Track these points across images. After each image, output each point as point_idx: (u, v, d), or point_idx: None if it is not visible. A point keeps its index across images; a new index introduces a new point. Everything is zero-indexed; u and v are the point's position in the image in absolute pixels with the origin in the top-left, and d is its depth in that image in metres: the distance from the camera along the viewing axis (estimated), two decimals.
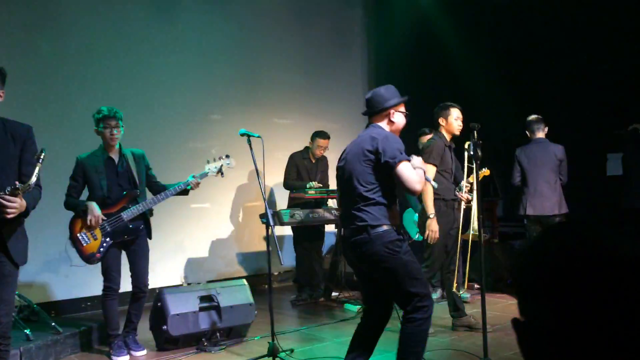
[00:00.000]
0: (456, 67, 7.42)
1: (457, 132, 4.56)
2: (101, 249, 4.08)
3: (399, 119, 3.25)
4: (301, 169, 6.13)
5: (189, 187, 4.31)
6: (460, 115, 4.57)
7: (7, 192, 2.68)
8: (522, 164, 5.54)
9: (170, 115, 6.52)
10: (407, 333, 3.03)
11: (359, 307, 5.50)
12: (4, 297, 2.80)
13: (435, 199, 4.39)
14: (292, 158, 6.18)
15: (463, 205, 4.96)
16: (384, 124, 3.23)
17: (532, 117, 5.62)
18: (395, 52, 7.93)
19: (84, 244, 4.06)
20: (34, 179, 2.74)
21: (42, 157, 2.75)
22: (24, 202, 2.76)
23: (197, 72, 6.76)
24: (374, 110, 3.25)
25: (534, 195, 5.44)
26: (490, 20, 7.47)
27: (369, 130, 3.22)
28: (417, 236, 5.65)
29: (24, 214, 2.82)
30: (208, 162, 4.42)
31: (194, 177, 4.32)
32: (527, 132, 5.64)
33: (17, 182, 2.73)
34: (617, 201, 5.90)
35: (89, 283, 5.37)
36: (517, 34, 7.17)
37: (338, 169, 3.29)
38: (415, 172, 3.04)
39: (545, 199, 5.42)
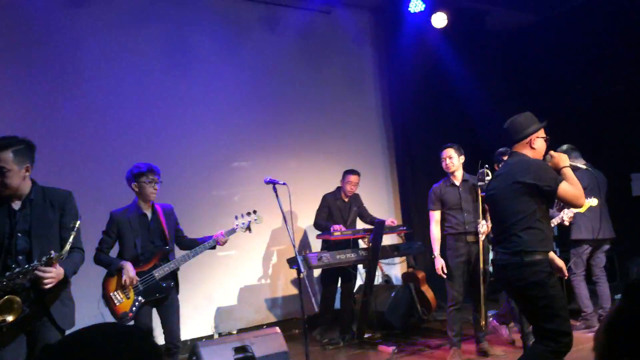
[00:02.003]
0: (466, 100, 7.47)
1: (447, 170, 4.95)
2: (133, 308, 4.09)
3: (539, 144, 3.31)
4: (333, 209, 6.17)
5: (217, 244, 4.35)
6: (448, 154, 4.92)
7: (42, 263, 2.75)
8: (585, 187, 5.45)
9: (193, 165, 6.60)
10: (534, 351, 3.10)
11: (393, 347, 5.41)
12: None
13: (445, 234, 4.90)
14: (325, 199, 6.24)
15: (482, 237, 4.89)
16: (526, 151, 3.29)
17: (567, 146, 5.65)
18: (407, 85, 8.00)
19: (117, 304, 4.07)
20: (67, 247, 2.82)
21: (75, 225, 2.86)
22: (60, 270, 2.84)
23: (217, 121, 6.86)
24: (515, 139, 3.33)
25: (595, 219, 5.42)
26: (500, 54, 7.55)
27: (514, 159, 3.30)
28: None
29: (64, 280, 2.87)
30: (236, 217, 4.48)
31: (223, 234, 4.34)
32: None
33: (52, 252, 2.79)
34: None
35: None
36: (529, 64, 7.23)
37: (487, 197, 3.45)
38: (573, 187, 3.12)
39: (605, 222, 5.55)
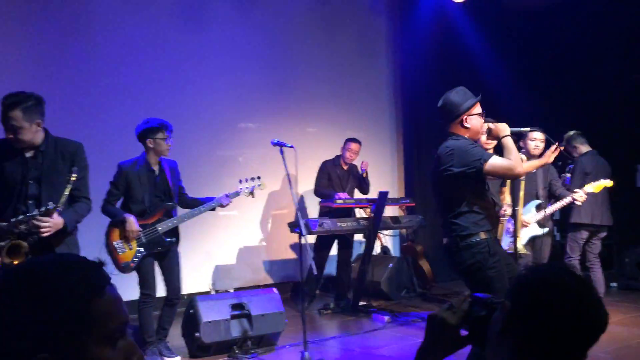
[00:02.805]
0: (482, 74, 7.39)
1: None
2: (135, 259, 4.16)
3: (474, 122, 3.12)
4: (333, 176, 6.18)
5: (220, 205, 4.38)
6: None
7: (40, 212, 2.88)
8: (589, 172, 5.48)
9: (200, 123, 6.60)
10: None
11: (387, 317, 5.50)
12: None
13: None
14: (324, 165, 6.23)
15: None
16: (461, 131, 3.11)
17: (573, 132, 5.63)
18: (420, 59, 7.92)
19: (120, 253, 4.13)
20: (63, 199, 2.96)
21: (72, 178, 2.99)
22: (58, 220, 2.97)
23: (227, 81, 6.83)
24: (448, 119, 3.15)
25: (595, 204, 5.42)
26: (518, 27, 7.44)
27: (443, 143, 3.13)
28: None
29: (63, 229, 2.99)
30: (240, 181, 4.51)
31: (227, 196, 4.38)
32: (573, 146, 5.62)
33: (49, 203, 2.93)
34: None
35: (120, 288, 5.35)
36: (545, 41, 7.14)
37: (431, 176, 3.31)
38: (503, 159, 3.00)
39: (605, 209, 5.50)
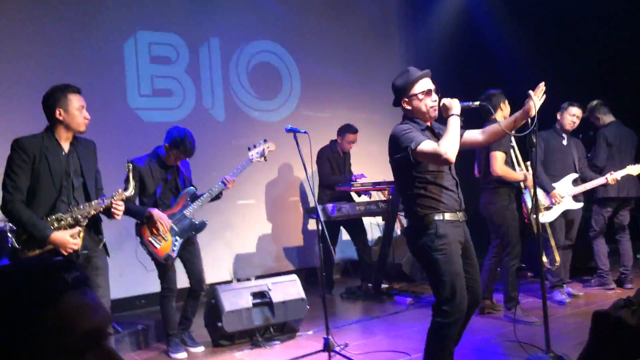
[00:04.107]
0: (499, 54, 7.25)
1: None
2: (174, 248, 4.20)
3: (415, 104, 2.99)
4: (332, 163, 6.14)
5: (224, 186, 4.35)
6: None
7: (114, 197, 3.15)
8: (612, 144, 5.37)
9: (213, 112, 6.61)
10: (428, 335, 2.95)
11: (409, 299, 5.47)
12: (107, 286, 3.27)
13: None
14: (323, 153, 6.18)
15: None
16: (408, 114, 3.04)
17: (597, 102, 5.50)
18: (435, 39, 7.80)
19: (158, 247, 4.16)
20: (130, 188, 3.26)
21: (130, 167, 3.36)
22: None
23: (239, 66, 6.83)
24: (395, 104, 3.11)
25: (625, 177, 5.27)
26: (538, 4, 7.24)
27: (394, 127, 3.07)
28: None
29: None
30: (249, 149, 4.49)
31: (236, 171, 4.42)
32: (596, 117, 5.49)
33: (119, 189, 3.22)
34: None
35: (142, 281, 5.48)
36: (566, 20, 6.93)
37: None
38: (432, 144, 2.80)
39: (633, 180, 5.35)
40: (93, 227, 3.25)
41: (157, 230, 4.14)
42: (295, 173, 6.92)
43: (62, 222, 3.06)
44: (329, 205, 5.59)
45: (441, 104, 2.98)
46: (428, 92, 2.98)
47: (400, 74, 3.07)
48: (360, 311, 5.46)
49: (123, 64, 6.14)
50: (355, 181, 5.85)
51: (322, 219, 3.93)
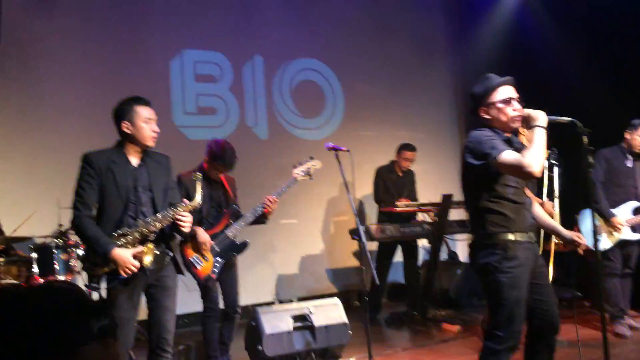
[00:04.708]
0: (552, 73, 6.94)
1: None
2: (215, 269, 4.11)
3: (494, 113, 2.78)
4: (388, 183, 5.97)
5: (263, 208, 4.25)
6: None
7: (179, 209, 2.99)
8: None
9: (255, 130, 6.58)
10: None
11: (457, 327, 5.21)
12: (173, 308, 3.12)
13: None
14: (379, 173, 6.03)
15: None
16: (486, 122, 2.82)
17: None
18: (482, 57, 7.55)
19: (198, 267, 4.08)
20: (198, 198, 3.05)
21: (199, 176, 3.12)
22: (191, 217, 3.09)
23: (281, 84, 6.79)
24: (472, 112, 2.90)
25: None
26: (595, 18, 6.93)
27: (471, 132, 2.86)
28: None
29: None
30: (294, 167, 4.37)
31: (280, 191, 4.31)
32: None
33: (184, 200, 3.06)
34: None
35: (185, 300, 5.37)
36: (627, 30, 6.57)
37: None
38: (515, 155, 2.57)
39: None
40: (163, 244, 3.10)
41: (200, 249, 4.06)
42: (341, 192, 6.79)
43: (129, 237, 2.92)
44: (372, 226, 5.42)
45: (525, 114, 2.75)
46: (509, 101, 2.78)
47: (480, 80, 2.89)
48: (405, 338, 5.23)
49: (169, 81, 6.19)
50: (400, 203, 5.65)
51: (364, 240, 3.76)
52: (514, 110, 2.76)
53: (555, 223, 3.14)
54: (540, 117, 2.67)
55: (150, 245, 2.95)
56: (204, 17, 6.37)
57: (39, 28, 5.57)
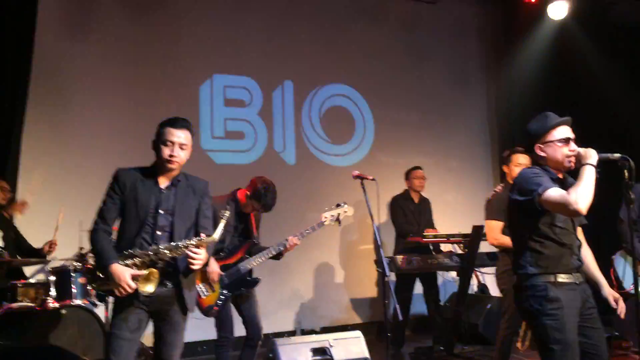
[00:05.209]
0: (596, 97, 6.71)
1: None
2: (219, 302, 4.02)
3: (550, 151, 2.79)
4: (407, 211, 5.85)
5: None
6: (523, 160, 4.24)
7: (194, 244, 2.82)
8: None
9: (283, 155, 6.53)
10: None
11: None
12: (177, 343, 2.96)
13: None
14: (396, 201, 5.93)
15: None
16: (539, 160, 2.84)
17: None
18: (519, 85, 7.38)
19: (202, 297, 4.00)
20: (216, 235, 2.88)
21: (226, 214, 2.93)
22: (207, 254, 2.91)
23: (309, 111, 6.76)
24: (526, 149, 2.94)
25: None
26: (630, 51, 6.71)
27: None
28: None
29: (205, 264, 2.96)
30: (326, 210, 4.28)
31: (305, 232, 4.23)
32: None
33: (202, 234, 2.87)
34: None
35: (203, 327, 5.31)
36: None
37: None
38: (560, 192, 2.59)
39: None
40: (172, 276, 2.91)
41: (207, 279, 3.98)
42: (368, 220, 6.63)
43: (136, 259, 2.81)
44: (399, 257, 5.26)
45: (576, 153, 2.76)
46: (566, 141, 2.79)
47: (537, 117, 2.89)
48: None
49: (198, 105, 6.22)
50: (428, 233, 5.49)
51: (387, 273, 3.63)
52: (570, 150, 2.77)
53: (599, 275, 3.03)
54: (591, 155, 2.69)
55: (156, 274, 2.81)
56: (235, 42, 6.40)
57: (72, 52, 5.67)
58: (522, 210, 2.73)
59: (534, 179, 2.69)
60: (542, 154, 2.81)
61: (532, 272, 2.71)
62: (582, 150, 2.74)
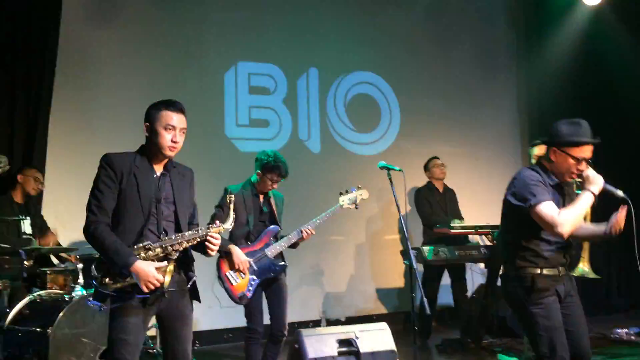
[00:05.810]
0: (628, 86, 6.50)
1: None
2: (250, 288, 3.98)
3: (561, 160, 2.83)
4: (432, 202, 5.77)
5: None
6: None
7: (210, 229, 2.74)
8: None
9: (308, 144, 6.47)
10: None
11: (515, 358, 4.87)
12: (189, 337, 2.83)
13: None
14: (420, 193, 5.86)
15: None
16: (545, 163, 2.92)
17: None
18: (548, 74, 7.18)
19: (234, 284, 3.97)
20: (230, 221, 2.83)
21: (232, 199, 2.85)
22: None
23: (335, 99, 6.66)
24: (546, 140, 2.96)
25: None
26: None
27: (524, 168, 3.02)
28: None
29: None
30: (341, 194, 4.23)
31: (318, 219, 4.15)
32: None
33: (217, 221, 2.81)
34: None
35: (230, 314, 5.33)
36: None
37: None
38: (552, 211, 2.69)
39: None
40: (184, 266, 2.77)
41: (234, 266, 3.94)
42: (394, 209, 6.55)
43: (150, 252, 2.60)
44: (425, 248, 5.17)
45: (584, 174, 2.81)
46: (582, 161, 2.83)
47: (570, 121, 2.88)
48: None
49: (223, 93, 6.18)
50: (455, 224, 5.39)
51: (414, 264, 3.55)
52: (579, 169, 2.82)
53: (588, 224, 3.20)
54: (597, 183, 2.78)
55: (171, 266, 2.64)
56: (260, 29, 6.33)
57: (97, 38, 5.65)
58: (514, 210, 2.85)
59: (530, 188, 2.78)
60: (553, 157, 2.86)
61: (520, 265, 2.85)
62: (590, 173, 2.79)
